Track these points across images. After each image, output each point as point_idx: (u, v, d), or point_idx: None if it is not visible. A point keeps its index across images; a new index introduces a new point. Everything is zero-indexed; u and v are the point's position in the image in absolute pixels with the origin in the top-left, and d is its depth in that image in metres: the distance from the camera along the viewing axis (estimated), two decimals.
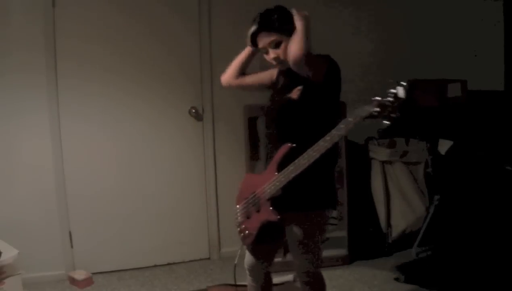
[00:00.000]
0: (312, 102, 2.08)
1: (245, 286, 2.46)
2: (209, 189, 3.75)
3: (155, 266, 3.68)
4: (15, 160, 3.32)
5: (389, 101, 1.78)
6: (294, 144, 2.05)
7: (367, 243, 3.80)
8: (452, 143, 3.55)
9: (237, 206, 2.32)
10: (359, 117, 1.85)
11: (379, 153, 3.71)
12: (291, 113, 2.13)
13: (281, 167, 2.07)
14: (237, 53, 3.54)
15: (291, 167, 2.01)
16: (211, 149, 3.71)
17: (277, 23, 2.05)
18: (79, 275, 3.39)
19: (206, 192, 3.76)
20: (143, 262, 3.66)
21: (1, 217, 3.24)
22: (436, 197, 3.63)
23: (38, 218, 3.38)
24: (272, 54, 2.09)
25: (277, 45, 2.06)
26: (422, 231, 3.67)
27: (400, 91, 1.77)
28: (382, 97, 1.80)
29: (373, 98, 1.82)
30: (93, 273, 3.46)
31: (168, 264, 3.71)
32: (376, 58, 3.95)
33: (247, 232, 2.23)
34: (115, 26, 3.42)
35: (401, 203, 3.71)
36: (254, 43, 2.15)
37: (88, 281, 3.38)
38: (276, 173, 2.08)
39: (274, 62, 2.13)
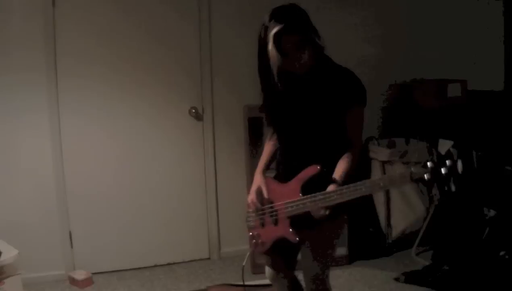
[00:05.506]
0: (335, 120, 1.98)
1: (245, 286, 2.44)
2: (209, 189, 3.75)
3: (155, 266, 3.68)
4: (15, 159, 3.32)
5: (445, 173, 1.67)
6: (325, 169, 1.94)
7: (367, 243, 3.80)
8: (452, 143, 3.55)
9: (250, 209, 2.23)
10: (408, 177, 1.75)
11: (379, 153, 3.71)
12: (312, 130, 2.01)
13: (305, 187, 1.97)
14: (237, 53, 3.54)
15: (320, 196, 1.90)
16: (211, 149, 3.70)
17: (301, 22, 1.86)
18: (79, 275, 3.38)
19: (206, 192, 3.75)
20: (143, 262, 3.66)
21: (1, 217, 3.23)
22: (436, 197, 3.62)
23: (38, 218, 3.38)
24: (296, 56, 1.87)
25: (302, 46, 1.86)
26: (422, 231, 3.67)
27: (460, 166, 1.66)
28: (436, 165, 1.69)
29: (428, 163, 1.71)
30: (93, 273, 3.46)
31: (168, 264, 3.71)
32: (376, 58, 3.94)
33: (260, 240, 2.17)
34: (115, 26, 3.42)
35: (401, 203, 3.71)
36: (278, 44, 1.85)
37: (88, 281, 3.38)
38: (301, 195, 1.98)
39: (297, 66, 1.90)
